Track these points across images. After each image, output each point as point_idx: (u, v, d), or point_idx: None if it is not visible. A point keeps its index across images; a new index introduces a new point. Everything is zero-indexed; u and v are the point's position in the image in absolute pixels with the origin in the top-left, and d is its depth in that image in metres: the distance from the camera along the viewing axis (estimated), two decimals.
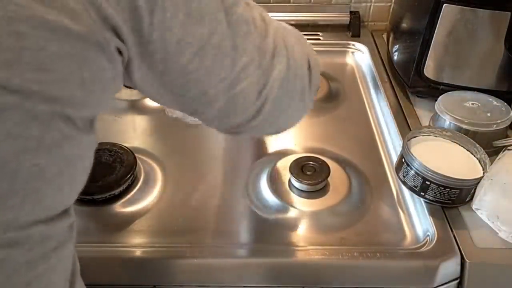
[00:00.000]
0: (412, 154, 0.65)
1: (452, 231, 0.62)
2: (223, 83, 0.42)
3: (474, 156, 0.68)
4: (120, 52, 0.36)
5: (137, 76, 0.39)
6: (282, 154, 0.76)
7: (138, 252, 0.61)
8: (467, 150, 0.69)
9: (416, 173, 0.64)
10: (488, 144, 0.70)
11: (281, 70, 0.46)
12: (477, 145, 0.67)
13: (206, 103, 0.43)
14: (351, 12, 1.09)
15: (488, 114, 0.73)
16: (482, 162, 0.66)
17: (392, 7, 1.07)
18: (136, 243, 0.63)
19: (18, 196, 0.33)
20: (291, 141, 0.80)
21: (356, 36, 1.07)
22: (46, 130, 0.32)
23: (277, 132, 0.53)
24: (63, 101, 0.33)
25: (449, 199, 0.64)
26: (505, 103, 0.75)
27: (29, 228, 0.34)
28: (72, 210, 0.40)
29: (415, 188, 0.65)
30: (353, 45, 1.06)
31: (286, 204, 0.67)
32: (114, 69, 0.36)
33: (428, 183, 0.63)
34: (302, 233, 0.64)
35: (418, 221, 0.66)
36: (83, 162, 0.38)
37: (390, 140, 0.80)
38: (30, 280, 0.36)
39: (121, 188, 0.68)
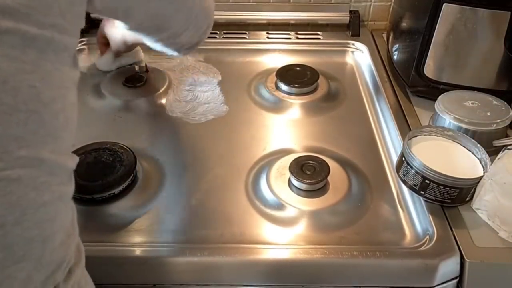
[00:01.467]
0: (412, 153, 0.65)
1: (451, 230, 0.62)
2: None
3: (475, 156, 0.68)
4: None
5: None
6: (282, 153, 0.76)
7: (138, 252, 0.61)
8: (468, 150, 0.69)
9: (416, 172, 0.64)
10: (488, 144, 0.70)
11: None
12: (479, 145, 0.67)
13: None
14: (351, 12, 1.09)
15: (488, 114, 0.73)
16: (483, 162, 0.66)
17: (392, 6, 1.07)
18: (136, 242, 0.63)
19: (21, 112, 0.37)
20: (291, 140, 0.80)
21: (356, 35, 1.07)
22: (41, 57, 0.38)
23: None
24: (49, 26, 0.38)
25: (449, 199, 0.64)
26: (505, 103, 0.75)
27: (39, 152, 0.39)
28: (72, 159, 0.44)
29: (415, 187, 0.65)
30: (353, 44, 1.06)
31: (286, 203, 0.67)
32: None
33: (428, 182, 0.63)
34: (302, 232, 0.64)
35: (417, 220, 0.66)
36: (70, 94, 0.42)
37: (390, 140, 0.80)
38: (38, 206, 0.39)
39: (121, 188, 0.68)
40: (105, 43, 0.92)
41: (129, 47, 0.91)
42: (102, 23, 0.91)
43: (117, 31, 0.87)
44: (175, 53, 0.71)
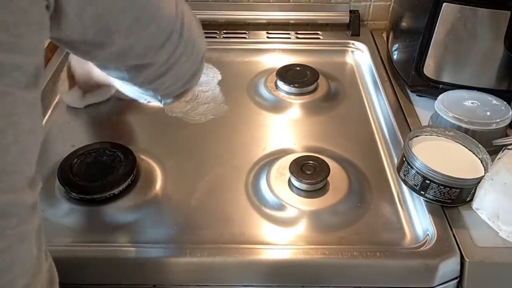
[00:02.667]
0: (412, 153, 0.65)
1: (452, 230, 0.62)
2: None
3: (476, 156, 0.68)
4: None
5: (71, 14, 0.40)
6: (282, 153, 0.76)
7: (138, 252, 0.61)
8: (470, 150, 0.69)
9: (416, 172, 0.64)
10: (487, 143, 0.70)
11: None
12: (480, 145, 0.67)
13: (138, 31, 0.47)
14: (350, 11, 1.09)
15: (488, 113, 0.73)
16: (484, 162, 0.66)
17: (391, 6, 1.07)
18: (136, 242, 0.63)
19: None
20: (291, 140, 0.80)
21: (355, 35, 1.07)
22: None
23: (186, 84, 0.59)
24: None
25: (449, 199, 0.64)
26: (505, 102, 0.75)
27: None
28: (32, 193, 0.39)
29: (415, 187, 0.65)
30: (353, 44, 1.06)
31: (286, 203, 0.67)
32: (39, 12, 0.36)
33: (428, 182, 0.63)
34: (302, 232, 0.64)
35: (418, 220, 0.66)
36: (25, 120, 0.36)
37: (390, 139, 0.80)
38: None
39: (121, 188, 0.68)
40: (73, 75, 0.81)
41: (96, 86, 0.81)
42: (70, 54, 0.79)
43: (86, 66, 0.76)
44: (157, 103, 0.61)
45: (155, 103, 0.61)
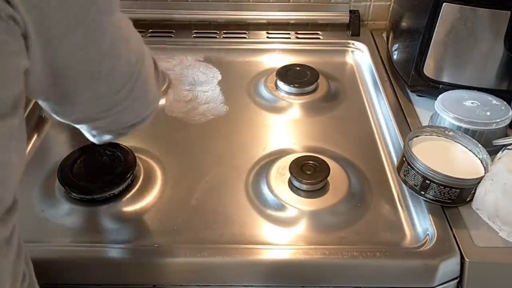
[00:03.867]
0: (412, 153, 0.65)
1: (452, 230, 0.62)
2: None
3: (476, 156, 0.68)
4: (16, 22, 0.34)
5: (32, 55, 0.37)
6: (282, 153, 0.76)
7: (138, 252, 0.61)
8: (470, 150, 0.69)
9: (417, 172, 0.64)
10: (487, 143, 0.70)
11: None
12: (480, 145, 0.67)
13: (87, 82, 0.45)
14: (350, 11, 1.09)
15: (488, 113, 0.73)
16: (484, 162, 0.66)
17: (391, 6, 1.07)
18: (136, 243, 0.63)
19: None
20: (291, 140, 0.80)
21: (355, 35, 1.07)
22: None
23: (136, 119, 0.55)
24: None
25: (449, 199, 0.64)
26: (505, 102, 0.75)
27: None
28: (9, 222, 0.38)
29: (415, 187, 0.65)
30: (353, 44, 1.06)
31: (286, 203, 0.67)
32: (15, 41, 0.35)
33: (428, 182, 0.63)
34: (302, 232, 0.64)
35: (418, 220, 0.66)
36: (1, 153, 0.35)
37: (390, 139, 0.80)
38: None
39: (120, 188, 0.68)
40: None
41: None
42: None
43: None
44: (92, 138, 0.59)
45: (89, 137, 0.59)
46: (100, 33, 0.42)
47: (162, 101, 0.88)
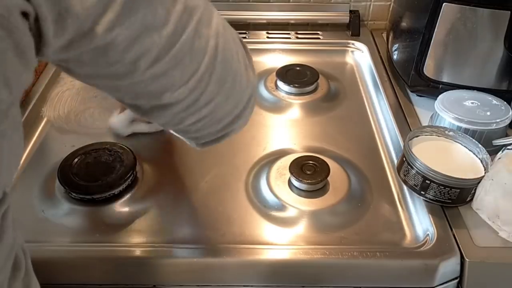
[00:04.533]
0: (412, 153, 0.65)
1: (452, 230, 0.62)
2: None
3: (476, 156, 0.68)
4: (25, 16, 0.30)
5: (56, 44, 0.33)
6: (282, 153, 0.76)
7: (138, 252, 0.61)
8: (470, 150, 0.69)
9: (417, 172, 0.64)
10: (487, 143, 0.70)
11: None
12: (480, 145, 0.67)
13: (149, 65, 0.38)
14: (350, 11, 1.09)
15: (488, 113, 0.73)
16: (484, 162, 0.66)
17: (391, 6, 1.07)
18: (136, 242, 0.63)
19: None
20: (291, 140, 0.80)
21: (355, 35, 1.07)
22: None
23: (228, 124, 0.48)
24: None
25: (449, 199, 0.64)
26: (505, 102, 0.75)
27: None
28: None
29: (415, 187, 0.65)
30: (353, 44, 1.06)
31: (286, 203, 0.67)
32: (9, 37, 0.29)
33: (429, 182, 0.63)
34: (302, 232, 0.64)
35: (418, 220, 0.66)
36: None
37: (390, 139, 0.80)
38: None
39: (121, 188, 0.68)
40: None
41: None
42: None
43: None
44: (193, 145, 0.53)
45: (191, 144, 0.53)
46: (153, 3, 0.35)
47: None
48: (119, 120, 0.78)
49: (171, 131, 0.52)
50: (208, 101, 0.43)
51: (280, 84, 0.91)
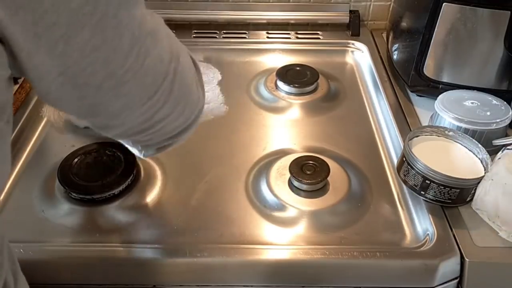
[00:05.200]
0: (412, 153, 0.65)
1: (452, 230, 0.62)
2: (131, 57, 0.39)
3: (476, 156, 0.68)
4: None
5: (29, 64, 0.35)
6: (282, 153, 0.76)
7: (138, 252, 0.61)
8: (470, 150, 0.69)
9: (417, 172, 0.64)
10: (487, 143, 0.70)
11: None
12: (480, 145, 0.67)
13: (113, 87, 0.39)
14: (350, 11, 1.09)
15: (488, 113, 0.73)
16: (484, 162, 0.66)
17: (391, 6, 1.07)
18: (136, 242, 0.63)
19: None
20: (291, 140, 0.80)
21: (355, 35, 1.07)
22: None
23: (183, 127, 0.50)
24: None
25: (449, 199, 0.64)
26: (505, 102, 0.75)
27: None
28: None
29: (415, 187, 0.65)
30: (353, 44, 1.06)
31: (286, 203, 0.67)
32: None
33: (429, 182, 0.63)
34: (302, 232, 0.64)
35: (418, 220, 0.66)
36: None
37: (390, 139, 0.80)
38: None
39: (121, 188, 0.68)
40: None
41: None
42: None
43: None
44: (138, 153, 0.55)
45: (134, 152, 0.55)
46: (115, 30, 0.37)
47: None
48: None
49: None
50: (161, 118, 0.45)
51: (280, 84, 0.91)
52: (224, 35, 1.08)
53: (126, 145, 0.53)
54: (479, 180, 0.63)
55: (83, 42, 0.35)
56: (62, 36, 0.34)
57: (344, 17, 1.09)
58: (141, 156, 0.55)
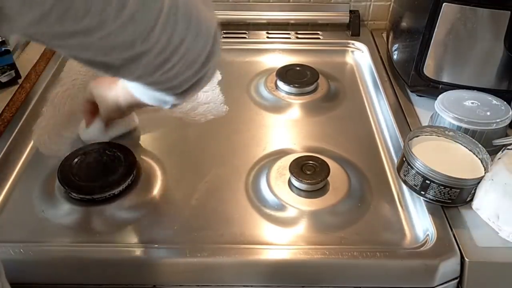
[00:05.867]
0: (412, 153, 0.65)
1: (452, 230, 0.62)
2: None
3: (476, 156, 0.68)
4: None
5: None
6: (282, 153, 0.76)
7: (138, 252, 0.61)
8: (470, 150, 0.69)
9: (417, 172, 0.64)
10: (487, 143, 0.70)
11: None
12: (480, 145, 0.67)
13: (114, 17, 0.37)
14: (350, 11, 1.09)
15: (488, 113, 0.73)
16: (484, 162, 0.66)
17: (391, 6, 1.07)
18: (136, 242, 0.63)
19: None
20: (291, 140, 0.80)
21: (355, 35, 1.07)
22: None
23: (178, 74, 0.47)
24: None
25: (450, 199, 0.64)
26: (505, 102, 0.75)
27: None
28: None
29: (415, 187, 0.65)
30: (353, 44, 1.06)
31: (286, 203, 0.67)
32: None
33: (429, 182, 0.63)
34: (302, 232, 0.64)
35: (418, 220, 0.66)
36: None
37: (390, 139, 0.80)
38: None
39: (121, 188, 0.68)
40: (92, 110, 0.74)
41: (123, 113, 0.74)
42: (88, 86, 0.74)
43: (110, 93, 0.69)
44: (171, 100, 0.54)
45: (161, 106, 0.53)
46: None
47: None
48: (93, 131, 0.76)
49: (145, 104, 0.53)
50: (179, 42, 0.42)
51: (280, 84, 0.91)
52: (224, 35, 1.08)
53: (152, 100, 0.51)
54: (479, 180, 0.63)
55: None
56: None
57: (344, 17, 1.09)
58: (169, 107, 0.53)
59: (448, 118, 0.73)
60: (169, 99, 0.53)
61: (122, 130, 0.79)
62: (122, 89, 0.67)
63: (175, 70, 0.45)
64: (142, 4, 0.38)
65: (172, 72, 0.45)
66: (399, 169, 0.68)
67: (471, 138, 0.69)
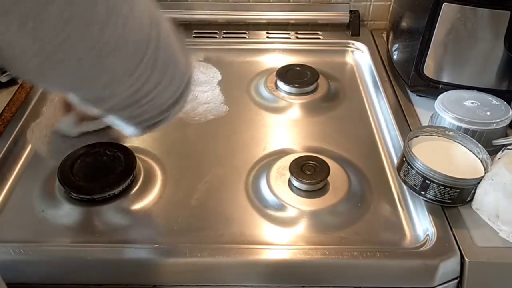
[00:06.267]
0: (412, 153, 0.65)
1: (452, 230, 0.62)
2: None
3: (476, 156, 0.68)
4: None
5: (3, 43, 0.33)
6: (282, 153, 0.76)
7: (138, 252, 0.61)
8: (470, 150, 0.69)
9: (417, 172, 0.64)
10: (487, 143, 0.70)
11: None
12: (480, 145, 0.67)
13: (94, 62, 0.37)
14: (350, 11, 1.09)
15: (488, 113, 0.73)
16: (484, 162, 0.66)
17: (391, 6, 1.07)
18: (136, 242, 0.63)
19: None
20: (291, 140, 0.80)
21: (355, 35, 1.07)
22: None
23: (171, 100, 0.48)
24: None
25: (450, 199, 0.64)
26: (505, 102, 0.75)
27: None
28: None
29: (415, 187, 0.65)
30: (353, 44, 1.06)
31: (286, 203, 0.67)
32: None
33: (429, 182, 0.63)
34: (302, 232, 0.64)
35: (418, 220, 0.66)
36: None
37: (390, 139, 0.80)
38: None
39: (120, 188, 0.68)
40: (68, 103, 0.74)
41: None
42: None
43: None
44: (131, 132, 0.53)
45: (126, 132, 0.53)
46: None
47: None
48: (65, 122, 0.75)
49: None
50: (152, 88, 0.44)
51: (280, 84, 0.91)
52: (224, 35, 1.08)
53: (117, 125, 0.51)
54: (479, 180, 0.63)
55: (54, 16, 0.33)
56: (31, 11, 0.32)
57: (344, 17, 1.09)
58: (133, 135, 0.54)
59: (448, 118, 0.73)
60: (127, 131, 0.53)
61: (92, 127, 0.76)
62: None
63: (142, 109, 0.46)
64: (121, 55, 0.39)
65: (139, 110, 0.46)
66: (399, 169, 0.68)
67: (471, 138, 0.69)
